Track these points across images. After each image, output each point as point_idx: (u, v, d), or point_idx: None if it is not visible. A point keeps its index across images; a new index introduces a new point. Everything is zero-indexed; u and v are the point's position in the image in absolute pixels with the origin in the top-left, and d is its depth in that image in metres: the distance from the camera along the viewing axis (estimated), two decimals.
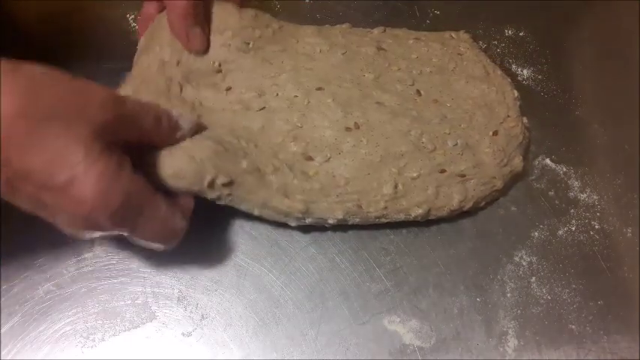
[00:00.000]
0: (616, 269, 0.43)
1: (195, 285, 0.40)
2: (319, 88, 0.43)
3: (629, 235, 0.45)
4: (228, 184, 0.37)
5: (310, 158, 0.41)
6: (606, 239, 0.44)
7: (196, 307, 0.40)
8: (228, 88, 0.42)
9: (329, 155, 0.41)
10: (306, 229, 0.42)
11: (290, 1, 0.54)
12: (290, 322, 0.40)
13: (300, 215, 0.39)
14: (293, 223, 0.40)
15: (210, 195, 0.37)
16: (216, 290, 0.40)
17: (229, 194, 0.38)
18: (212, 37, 0.42)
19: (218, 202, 0.38)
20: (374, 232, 0.43)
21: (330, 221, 0.40)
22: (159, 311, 0.39)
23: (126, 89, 0.40)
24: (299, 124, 0.41)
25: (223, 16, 0.43)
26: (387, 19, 0.53)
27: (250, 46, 0.43)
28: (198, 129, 0.38)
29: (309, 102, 0.42)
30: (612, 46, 0.54)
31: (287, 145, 0.41)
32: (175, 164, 0.36)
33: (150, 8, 0.44)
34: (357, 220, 0.41)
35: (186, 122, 0.37)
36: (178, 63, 0.42)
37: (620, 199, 0.46)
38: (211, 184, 0.37)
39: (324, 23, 0.49)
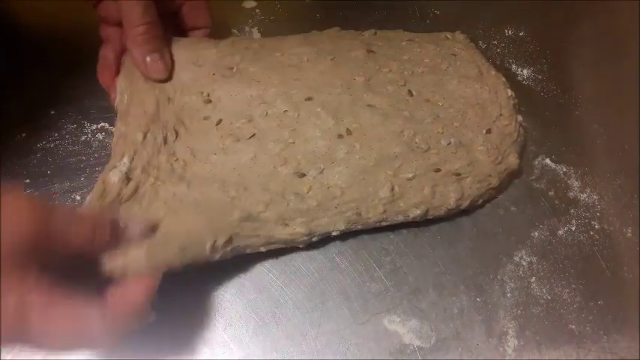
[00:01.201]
0: (616, 269, 0.43)
1: (195, 285, 0.40)
2: (308, 99, 0.42)
3: (629, 235, 0.45)
4: (228, 240, 0.38)
5: (303, 175, 0.40)
6: (606, 239, 0.44)
7: (197, 307, 0.40)
8: (219, 122, 0.41)
9: (322, 167, 0.40)
10: None
11: (290, 1, 0.54)
12: (290, 322, 0.40)
13: (306, 238, 0.40)
14: (302, 245, 0.41)
15: (214, 257, 0.37)
16: (216, 290, 0.40)
17: (232, 248, 0.38)
18: (195, 70, 0.43)
19: (223, 259, 0.38)
20: (374, 232, 0.43)
21: (334, 233, 0.40)
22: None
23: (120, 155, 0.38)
24: (290, 140, 0.41)
25: (201, 52, 0.43)
26: (386, 19, 0.53)
27: (234, 70, 0.43)
28: (152, 229, 0.35)
29: (299, 115, 0.42)
30: (612, 46, 0.54)
31: (277, 172, 0.40)
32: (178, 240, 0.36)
33: (107, 52, 0.43)
34: (359, 227, 0.41)
35: (136, 226, 0.35)
36: (169, 100, 0.42)
37: (620, 199, 0.46)
38: (213, 249, 0.37)
39: (324, 23, 0.49)
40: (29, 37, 0.50)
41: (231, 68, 0.43)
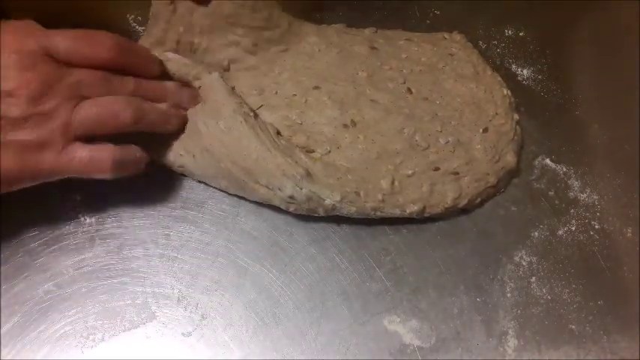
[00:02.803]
0: (616, 269, 0.43)
1: (195, 285, 0.40)
2: (316, 87, 0.44)
3: (629, 235, 0.45)
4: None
5: (312, 150, 0.41)
6: (606, 239, 0.44)
7: (196, 307, 0.40)
8: (232, 88, 0.42)
9: (329, 149, 0.42)
10: (306, 228, 0.42)
11: (290, 1, 0.54)
12: (290, 322, 0.40)
13: (299, 177, 0.39)
14: (288, 191, 0.39)
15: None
16: (216, 290, 0.40)
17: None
18: (223, 33, 0.43)
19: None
20: (374, 232, 0.43)
21: (327, 202, 0.39)
22: (159, 311, 0.39)
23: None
24: (298, 121, 0.42)
25: (238, 12, 0.43)
26: (386, 19, 0.53)
27: (257, 47, 0.44)
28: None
29: (306, 100, 0.43)
30: (612, 46, 0.54)
31: (288, 136, 0.42)
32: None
33: None
34: (354, 209, 0.40)
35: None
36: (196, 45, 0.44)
37: (620, 199, 0.46)
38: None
39: (323, 23, 0.49)
40: None
41: (256, 44, 0.44)
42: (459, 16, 0.54)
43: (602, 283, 0.43)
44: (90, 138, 0.36)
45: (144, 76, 0.39)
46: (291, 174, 0.39)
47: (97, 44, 0.36)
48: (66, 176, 0.36)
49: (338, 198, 0.39)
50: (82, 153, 0.36)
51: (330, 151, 0.42)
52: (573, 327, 0.41)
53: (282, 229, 0.42)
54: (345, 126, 0.42)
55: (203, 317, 0.39)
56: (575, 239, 0.44)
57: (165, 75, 0.41)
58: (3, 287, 0.38)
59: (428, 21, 0.54)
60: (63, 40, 0.35)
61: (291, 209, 0.40)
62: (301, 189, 0.39)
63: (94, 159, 0.36)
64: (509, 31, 0.54)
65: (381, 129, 0.43)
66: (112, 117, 0.36)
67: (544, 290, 0.42)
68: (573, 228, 0.45)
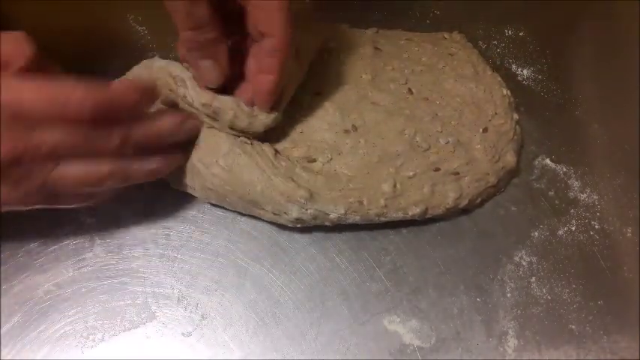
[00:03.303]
0: (616, 269, 0.43)
1: (195, 285, 0.40)
2: (318, 93, 0.43)
3: (629, 235, 0.45)
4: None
5: (313, 160, 0.41)
6: (606, 239, 0.44)
7: (196, 307, 0.40)
8: None
9: (330, 156, 0.41)
10: (306, 228, 0.42)
11: (290, 0, 0.54)
12: (290, 322, 0.40)
13: (303, 201, 0.39)
14: (295, 214, 0.39)
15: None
16: (216, 290, 0.40)
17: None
18: None
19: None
20: (374, 232, 0.43)
21: (332, 215, 0.40)
22: (159, 311, 0.39)
23: None
24: (299, 130, 0.42)
25: None
26: (386, 19, 0.53)
27: None
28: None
29: (308, 107, 0.43)
30: (612, 46, 0.54)
31: (289, 151, 0.41)
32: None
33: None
34: (358, 217, 0.40)
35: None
36: None
37: (620, 199, 0.46)
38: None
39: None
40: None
41: None
42: (459, 16, 0.54)
43: (602, 283, 0.43)
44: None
45: (132, 121, 0.35)
46: (296, 199, 0.39)
47: (71, 104, 0.31)
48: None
49: (342, 211, 0.40)
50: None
51: (331, 159, 0.41)
52: (573, 327, 0.41)
53: (282, 229, 0.42)
54: (347, 131, 0.42)
55: (203, 317, 0.39)
56: (575, 239, 0.44)
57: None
58: (3, 287, 0.38)
59: (428, 21, 0.54)
60: (31, 99, 0.30)
61: (298, 225, 0.41)
62: (307, 210, 0.39)
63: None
64: (509, 31, 0.54)
65: (381, 131, 0.43)
66: (94, 184, 0.34)
67: (544, 290, 0.42)
68: (573, 228, 0.45)
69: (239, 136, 0.39)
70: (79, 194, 0.35)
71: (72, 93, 0.31)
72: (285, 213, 0.39)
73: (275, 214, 0.40)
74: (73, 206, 0.36)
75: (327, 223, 0.41)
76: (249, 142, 0.40)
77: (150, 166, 0.36)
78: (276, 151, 0.41)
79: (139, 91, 0.34)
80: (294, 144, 0.41)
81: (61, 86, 0.31)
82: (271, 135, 0.41)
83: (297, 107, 0.42)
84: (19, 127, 0.30)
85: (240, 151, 0.39)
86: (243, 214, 0.42)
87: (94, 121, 0.32)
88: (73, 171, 0.33)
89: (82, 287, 0.39)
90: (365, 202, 0.40)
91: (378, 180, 0.41)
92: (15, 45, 0.33)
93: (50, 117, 0.31)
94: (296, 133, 0.42)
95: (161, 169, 0.37)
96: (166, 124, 0.36)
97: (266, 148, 0.40)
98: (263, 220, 0.42)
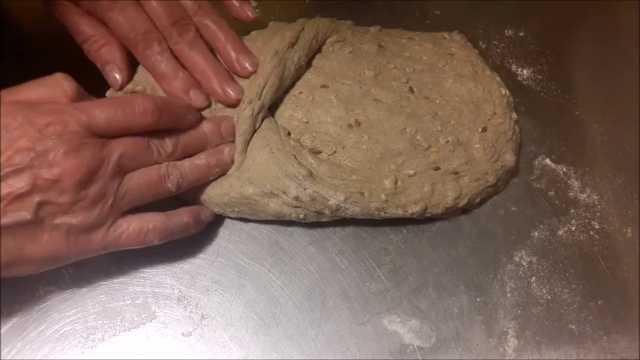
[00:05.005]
0: (616, 269, 0.43)
1: (195, 285, 0.40)
2: (323, 86, 0.44)
3: (629, 235, 0.45)
4: None
5: (318, 151, 0.42)
6: (606, 239, 0.44)
7: (196, 307, 0.40)
8: None
9: (334, 149, 0.42)
10: (306, 228, 0.42)
11: (290, 0, 0.54)
12: (290, 322, 0.40)
13: (301, 177, 0.39)
14: (293, 192, 0.39)
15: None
16: (216, 290, 0.40)
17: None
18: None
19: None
20: (374, 232, 0.43)
21: (331, 202, 0.39)
22: (159, 311, 0.39)
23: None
24: (304, 120, 0.43)
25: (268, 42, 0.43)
26: (387, 19, 0.53)
27: None
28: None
29: (313, 98, 0.43)
30: (612, 47, 0.54)
31: (298, 136, 0.42)
32: None
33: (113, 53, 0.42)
34: (358, 209, 0.40)
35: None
36: None
37: (620, 199, 0.46)
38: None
39: None
40: (31, 37, 0.50)
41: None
42: (459, 16, 0.54)
43: (602, 283, 0.43)
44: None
45: (181, 129, 0.39)
46: (293, 174, 0.39)
47: (136, 112, 0.35)
48: (113, 250, 0.36)
49: (342, 198, 0.40)
50: (128, 227, 0.36)
51: (335, 151, 0.42)
52: (573, 327, 0.41)
53: (282, 229, 0.43)
54: (350, 126, 0.43)
55: (203, 317, 0.39)
56: (575, 239, 0.44)
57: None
58: (3, 287, 0.38)
59: (428, 21, 0.54)
60: (102, 114, 0.34)
61: (301, 216, 0.40)
62: (305, 189, 0.39)
63: (141, 232, 0.36)
64: (509, 31, 0.54)
65: (384, 128, 0.43)
66: (156, 188, 0.37)
67: (544, 290, 0.42)
68: (573, 228, 0.45)
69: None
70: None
71: (137, 102, 0.35)
72: (283, 192, 0.39)
73: (274, 195, 0.40)
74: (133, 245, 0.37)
75: (326, 213, 0.40)
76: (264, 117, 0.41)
77: (200, 162, 0.39)
78: (289, 133, 0.42)
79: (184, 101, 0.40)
80: (300, 134, 0.42)
81: (127, 98, 0.36)
82: (281, 122, 0.42)
83: (303, 99, 0.43)
84: (94, 142, 0.34)
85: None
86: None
87: (154, 127, 0.36)
88: (137, 179, 0.36)
89: (82, 287, 0.39)
90: (366, 194, 0.40)
91: (380, 175, 0.41)
92: (56, 87, 0.34)
93: (118, 128, 0.35)
94: (302, 123, 0.42)
95: (210, 168, 0.39)
96: (206, 128, 0.40)
97: (280, 127, 0.41)
98: (263, 220, 0.42)
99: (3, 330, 0.38)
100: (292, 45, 0.43)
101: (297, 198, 0.39)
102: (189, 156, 0.39)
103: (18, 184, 0.31)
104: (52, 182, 0.32)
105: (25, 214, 0.31)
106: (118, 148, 0.35)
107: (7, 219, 0.31)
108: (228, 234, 0.42)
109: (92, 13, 0.40)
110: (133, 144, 0.36)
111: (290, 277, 0.41)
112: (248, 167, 0.40)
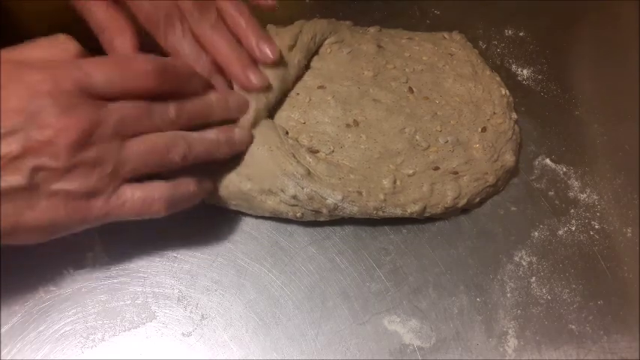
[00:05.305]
0: (616, 269, 0.43)
1: (195, 285, 0.40)
2: (320, 87, 0.44)
3: (629, 235, 0.45)
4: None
5: (316, 151, 0.42)
6: (606, 239, 0.44)
7: (196, 307, 0.40)
8: None
9: (332, 148, 0.42)
10: (306, 228, 0.42)
11: (290, 1, 0.54)
12: (290, 322, 0.40)
13: (299, 176, 0.39)
14: (291, 190, 0.39)
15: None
16: (216, 290, 0.40)
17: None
18: None
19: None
20: (374, 232, 0.43)
21: (329, 200, 0.39)
22: (159, 311, 0.39)
23: None
24: (302, 121, 0.43)
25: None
26: (386, 19, 0.53)
27: None
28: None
29: (310, 100, 0.43)
30: (612, 46, 0.54)
31: (295, 136, 0.42)
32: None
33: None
34: (356, 209, 0.40)
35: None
36: None
37: (620, 199, 0.46)
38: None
39: None
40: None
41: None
42: (459, 16, 0.54)
43: (602, 283, 0.43)
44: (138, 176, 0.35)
45: (186, 94, 0.37)
46: (292, 173, 0.39)
47: (136, 73, 0.33)
48: (116, 220, 0.35)
49: (340, 197, 0.40)
50: (132, 196, 0.34)
51: (333, 151, 0.42)
52: (573, 327, 0.41)
53: (282, 229, 0.43)
54: (348, 126, 0.43)
55: (203, 317, 0.39)
56: (575, 239, 0.44)
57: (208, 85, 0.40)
58: (3, 287, 0.38)
59: (428, 21, 0.54)
60: (100, 73, 0.32)
61: (298, 215, 0.40)
62: (303, 188, 0.39)
63: (146, 201, 0.34)
64: (509, 31, 0.54)
65: (382, 128, 0.43)
66: (160, 156, 0.34)
67: (544, 290, 0.42)
68: (573, 228, 0.45)
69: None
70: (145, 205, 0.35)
71: (138, 63, 0.33)
72: (281, 190, 0.39)
73: (273, 192, 0.40)
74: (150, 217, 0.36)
75: (324, 212, 0.40)
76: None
77: (209, 135, 0.37)
78: (287, 132, 0.42)
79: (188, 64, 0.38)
80: (297, 133, 0.42)
81: (127, 58, 0.34)
82: (278, 122, 0.42)
83: (300, 100, 0.43)
84: (90, 103, 0.31)
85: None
86: (244, 214, 0.42)
87: (156, 90, 0.34)
88: (138, 145, 0.34)
89: (82, 287, 0.39)
90: (364, 194, 0.40)
91: (378, 175, 0.41)
92: (59, 47, 0.33)
93: (117, 89, 0.32)
94: (299, 124, 0.43)
95: (219, 143, 0.38)
96: (213, 97, 0.38)
97: (279, 127, 0.41)
98: (263, 220, 0.42)
99: (3, 330, 0.38)
100: (291, 48, 0.43)
101: (294, 197, 0.39)
102: (195, 128, 0.37)
103: (9, 147, 0.29)
104: (44, 144, 0.30)
105: (19, 179, 0.29)
106: (117, 110, 0.32)
107: (1, 184, 0.29)
108: (228, 234, 0.42)
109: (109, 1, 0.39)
110: (133, 108, 0.33)
111: (290, 277, 0.41)
112: (247, 164, 0.40)
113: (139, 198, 0.34)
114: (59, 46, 0.33)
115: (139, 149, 0.34)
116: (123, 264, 0.40)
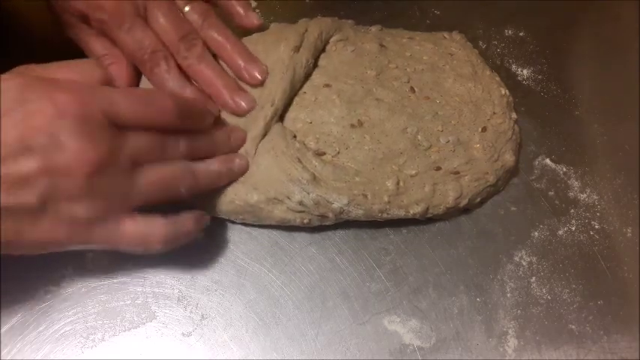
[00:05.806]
0: (616, 269, 0.43)
1: (195, 285, 0.40)
2: (326, 85, 0.44)
3: (629, 235, 0.45)
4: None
5: (322, 153, 0.42)
6: (606, 239, 0.44)
7: (196, 307, 0.40)
8: None
9: (338, 150, 0.42)
10: (306, 228, 0.42)
11: (290, 1, 0.54)
12: (290, 322, 0.40)
13: (305, 182, 0.39)
14: (297, 196, 0.39)
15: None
16: (216, 290, 0.40)
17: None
18: None
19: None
20: (374, 232, 0.43)
21: (335, 205, 0.40)
22: (159, 311, 0.39)
23: None
24: (308, 120, 0.43)
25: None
26: (386, 19, 0.53)
27: None
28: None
29: (316, 99, 0.43)
30: (612, 46, 0.54)
31: (302, 138, 0.42)
32: None
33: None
34: (361, 212, 0.40)
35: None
36: None
37: (620, 199, 0.46)
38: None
39: None
40: (31, 37, 0.50)
41: None
42: (459, 16, 0.54)
43: (602, 283, 0.43)
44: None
45: (196, 131, 0.38)
46: (297, 178, 0.39)
47: (159, 109, 0.34)
48: (111, 249, 0.35)
49: (345, 201, 0.40)
50: (133, 230, 0.34)
51: (339, 152, 0.42)
52: (573, 327, 0.41)
53: (282, 229, 0.43)
54: (353, 126, 0.42)
55: (203, 317, 0.39)
56: (575, 239, 0.44)
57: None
58: (3, 287, 0.38)
59: (428, 21, 0.54)
60: (126, 104, 0.33)
61: (305, 221, 0.40)
62: (309, 193, 0.39)
63: (145, 238, 0.34)
64: (509, 31, 0.54)
65: (385, 129, 0.43)
66: (168, 189, 0.35)
67: (544, 290, 0.42)
68: (573, 228, 0.45)
69: None
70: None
71: (161, 99, 0.35)
72: (287, 197, 0.39)
73: (279, 200, 0.39)
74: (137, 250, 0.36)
75: (329, 215, 0.40)
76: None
77: (213, 167, 0.38)
78: (295, 136, 0.42)
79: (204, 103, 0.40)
80: (305, 135, 0.42)
81: (151, 92, 0.36)
82: (287, 124, 0.42)
83: (307, 99, 0.43)
84: (111, 131, 0.32)
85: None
86: None
87: (173, 126, 0.35)
88: (148, 178, 0.34)
89: (82, 287, 0.39)
90: (369, 197, 0.40)
91: (382, 176, 0.41)
92: (87, 71, 0.35)
93: (139, 122, 0.33)
94: (305, 124, 0.42)
95: (221, 175, 0.39)
96: (218, 135, 0.40)
97: (286, 128, 0.41)
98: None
99: (3, 330, 0.38)
100: (297, 49, 0.43)
101: (301, 202, 0.39)
102: (198, 159, 0.38)
103: (27, 164, 0.29)
104: (62, 168, 0.30)
105: (30, 198, 0.29)
106: (135, 141, 0.33)
107: (9, 200, 0.29)
108: (228, 234, 0.42)
109: (103, 34, 0.41)
110: (148, 140, 0.34)
111: (290, 277, 0.41)
112: (253, 173, 0.40)
113: (139, 233, 0.34)
114: (85, 71, 0.34)
115: (149, 181, 0.34)
116: (123, 264, 0.40)
